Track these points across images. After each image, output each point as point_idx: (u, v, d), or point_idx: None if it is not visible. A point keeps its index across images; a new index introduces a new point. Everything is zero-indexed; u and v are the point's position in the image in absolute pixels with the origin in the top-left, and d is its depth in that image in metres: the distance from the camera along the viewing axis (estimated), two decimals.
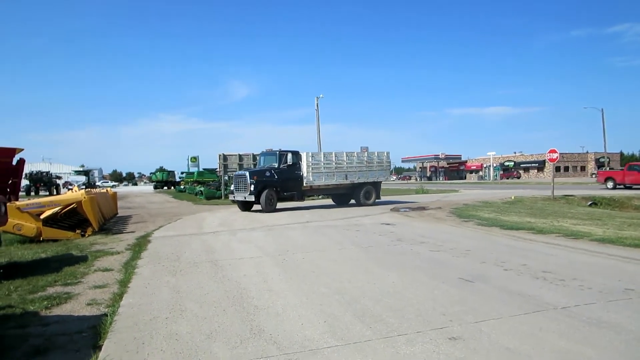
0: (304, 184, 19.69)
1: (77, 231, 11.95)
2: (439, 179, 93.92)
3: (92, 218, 12.31)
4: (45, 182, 50.96)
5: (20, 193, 18.18)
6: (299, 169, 19.66)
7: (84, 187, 40.10)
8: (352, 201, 21.84)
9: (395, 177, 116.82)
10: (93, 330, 4.50)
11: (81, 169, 74.72)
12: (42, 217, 11.41)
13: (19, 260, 8.75)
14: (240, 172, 20.09)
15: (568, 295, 5.27)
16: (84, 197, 12.23)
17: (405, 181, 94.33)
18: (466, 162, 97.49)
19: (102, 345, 4.07)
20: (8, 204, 9.69)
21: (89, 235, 11.92)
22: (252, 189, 18.29)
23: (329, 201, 23.53)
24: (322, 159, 20.21)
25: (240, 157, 30.64)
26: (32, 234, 11.00)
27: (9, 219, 9.21)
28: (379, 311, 4.80)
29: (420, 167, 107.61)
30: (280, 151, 19.66)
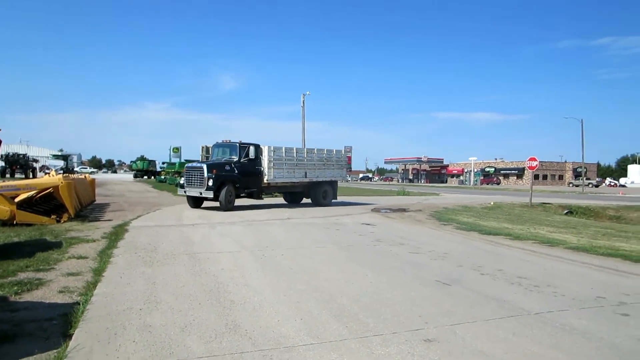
0: (265, 181, 18.32)
1: (53, 216, 11.69)
2: (421, 182, 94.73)
3: (69, 204, 12.06)
4: (21, 165, 49.72)
5: None
6: (260, 163, 18.18)
7: (61, 172, 39.29)
8: (305, 200, 20.95)
9: (377, 178, 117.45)
10: (64, 319, 4.40)
11: (59, 154, 73.24)
12: (16, 200, 11.13)
13: None
14: (194, 165, 17.90)
15: (542, 301, 5.36)
16: (61, 182, 11.98)
17: (388, 182, 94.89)
18: (448, 166, 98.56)
19: (73, 334, 3.98)
20: None
21: (64, 222, 11.67)
22: (209, 183, 16.35)
23: (281, 200, 22.14)
24: (284, 154, 18.96)
25: None
26: (5, 217, 10.71)
27: None
28: (356, 310, 4.80)
29: (402, 169, 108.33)
30: (241, 143, 17.95)
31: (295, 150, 19.47)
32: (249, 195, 18.18)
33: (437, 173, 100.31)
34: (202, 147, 29.31)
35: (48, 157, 77.49)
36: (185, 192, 17.42)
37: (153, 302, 4.98)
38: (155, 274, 6.37)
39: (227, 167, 17.13)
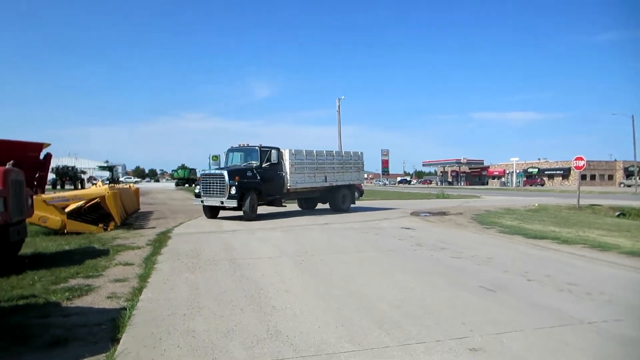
0: (287, 186, 17.11)
1: (100, 225, 12.15)
2: (460, 184, 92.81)
3: (115, 213, 12.50)
4: (70, 177, 52.24)
5: (46, 186, 18.59)
6: (281, 168, 16.98)
7: (107, 182, 40.83)
8: (321, 206, 20.19)
9: (415, 181, 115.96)
10: (112, 323, 4.54)
11: (105, 165, 76.30)
12: (66, 210, 11.63)
13: (44, 251, 8.93)
14: (212, 172, 16.30)
15: (595, 310, 5.10)
16: (108, 192, 12.43)
17: (426, 185, 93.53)
18: (488, 167, 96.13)
19: (120, 338, 4.10)
20: (35, 196, 9.91)
21: (111, 230, 12.10)
22: (232, 192, 14.95)
23: (295, 206, 20.79)
24: (305, 158, 17.81)
25: None
26: (57, 227, 11.23)
27: (35, 211, 9.42)
28: (397, 317, 4.72)
29: (441, 172, 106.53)
30: (261, 147, 16.54)
31: (315, 154, 18.42)
32: (270, 203, 16.97)
33: (477, 175, 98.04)
34: (210, 157, 27.70)
35: (95, 168, 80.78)
36: (202, 202, 15.88)
37: (196, 308, 5.06)
38: (197, 279, 6.49)
39: (249, 173, 15.82)
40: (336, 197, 19.54)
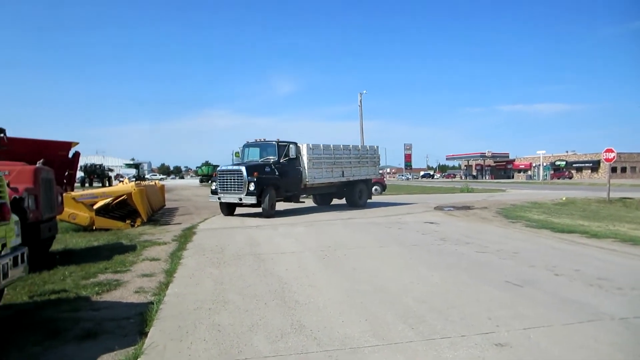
0: (304, 182, 16.78)
1: (127, 221, 12.42)
2: (485, 178, 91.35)
3: (141, 209, 12.75)
4: (98, 174, 53.49)
5: (75, 184, 19.09)
6: (299, 163, 16.67)
7: (134, 179, 41.64)
8: (336, 201, 20.00)
9: (439, 175, 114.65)
10: (140, 317, 4.65)
11: (131, 162, 77.81)
12: (95, 207, 11.92)
13: (73, 247, 9.18)
14: (229, 167, 15.58)
15: (627, 305, 4.96)
16: (134, 189, 12.69)
17: (450, 179, 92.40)
18: (514, 160, 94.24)
19: (148, 332, 4.19)
20: (64, 194, 10.19)
21: (138, 226, 12.35)
22: (251, 188, 14.57)
23: (311, 202, 20.83)
24: (322, 153, 17.46)
25: None
26: (86, 223, 11.52)
27: (64, 209, 9.70)
28: (422, 312, 4.69)
29: (465, 165, 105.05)
30: (279, 142, 16.30)
31: (332, 148, 18.07)
32: (287, 199, 16.75)
33: (502, 168, 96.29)
34: (233, 153, 27.01)
35: (121, 166, 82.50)
36: (218, 198, 15.49)
37: (221, 302, 5.13)
38: (222, 274, 6.58)
39: (267, 169, 15.50)
40: (353, 192, 19.27)
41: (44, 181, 7.33)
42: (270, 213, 14.95)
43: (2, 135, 8.26)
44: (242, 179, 14.75)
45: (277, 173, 15.64)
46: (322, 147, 17.55)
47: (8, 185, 4.49)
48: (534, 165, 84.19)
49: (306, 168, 16.70)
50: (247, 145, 17.35)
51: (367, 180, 20.15)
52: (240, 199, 14.86)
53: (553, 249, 8.64)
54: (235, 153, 18.59)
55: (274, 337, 4.03)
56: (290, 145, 16.17)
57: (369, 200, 20.47)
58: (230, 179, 15.10)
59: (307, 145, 16.88)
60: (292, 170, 16.32)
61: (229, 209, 15.87)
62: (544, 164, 75.92)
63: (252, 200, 14.64)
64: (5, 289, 5.08)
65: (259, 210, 15.35)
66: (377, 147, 20.82)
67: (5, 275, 3.80)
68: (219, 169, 16.23)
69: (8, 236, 4.10)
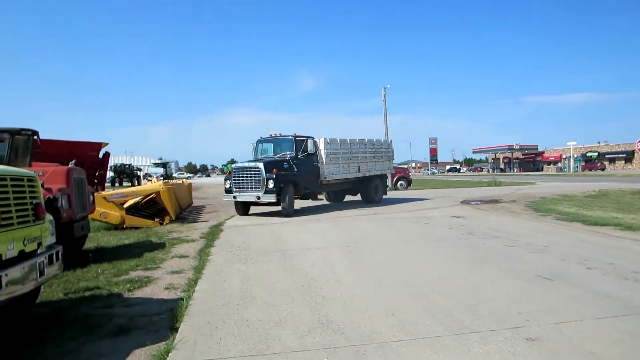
0: (322, 178, 15.96)
1: (156, 220, 12.68)
2: (513, 171, 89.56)
3: (170, 207, 13.00)
4: (127, 174, 54.76)
5: (105, 184, 19.54)
6: (317, 159, 15.88)
7: (162, 178, 42.47)
8: (348, 198, 19.37)
9: (465, 169, 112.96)
10: (170, 313, 4.75)
11: (159, 162, 79.29)
12: (125, 206, 12.21)
13: (105, 245, 9.44)
14: (246, 164, 14.69)
15: None
16: (162, 188, 12.95)
17: (477, 173, 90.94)
18: (543, 152, 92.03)
19: (179, 327, 4.28)
20: (95, 193, 10.48)
21: (166, 224, 12.60)
22: (270, 185, 13.75)
23: (348, 198, 20.00)
24: (339, 147, 16.74)
25: None
26: (116, 222, 11.83)
27: (96, 208, 9.97)
28: (450, 307, 4.64)
29: (492, 159, 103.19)
30: (296, 136, 15.58)
31: (349, 142, 17.38)
32: (304, 197, 16.03)
33: (531, 161, 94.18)
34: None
35: (149, 165, 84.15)
36: (234, 197, 14.62)
37: (249, 298, 5.19)
38: (249, 270, 6.66)
39: (286, 165, 14.65)
40: (369, 188, 18.61)
41: (76, 181, 7.55)
42: (290, 212, 14.28)
43: (35, 137, 8.55)
44: (259, 176, 13.96)
45: (295, 169, 14.82)
46: (339, 142, 16.88)
47: (42, 185, 4.64)
48: (564, 157, 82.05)
49: (324, 163, 15.95)
50: (261, 140, 16.56)
51: (382, 175, 19.64)
52: (258, 198, 14.01)
53: (585, 242, 8.42)
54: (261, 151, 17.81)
55: (301, 332, 4.06)
56: (308, 140, 15.47)
57: (390, 196, 20.15)
58: (247, 177, 14.28)
59: (325, 139, 16.14)
60: (310, 166, 15.57)
61: (244, 209, 15.14)
62: (575, 156, 73.83)
63: (272, 198, 13.90)
64: (42, 287, 5.26)
65: (274, 208, 15.07)
66: (392, 141, 20.42)
67: (41, 273, 3.94)
68: (233, 166, 15.35)
69: (43, 235, 4.25)
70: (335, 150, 16.52)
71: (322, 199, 18.40)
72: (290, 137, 15.64)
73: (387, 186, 29.47)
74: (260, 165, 14.09)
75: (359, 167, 17.73)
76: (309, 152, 15.37)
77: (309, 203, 17.91)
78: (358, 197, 19.31)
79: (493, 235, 9.42)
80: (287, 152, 15.34)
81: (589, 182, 34.85)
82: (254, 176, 14.09)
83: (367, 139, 18.72)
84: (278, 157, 15.28)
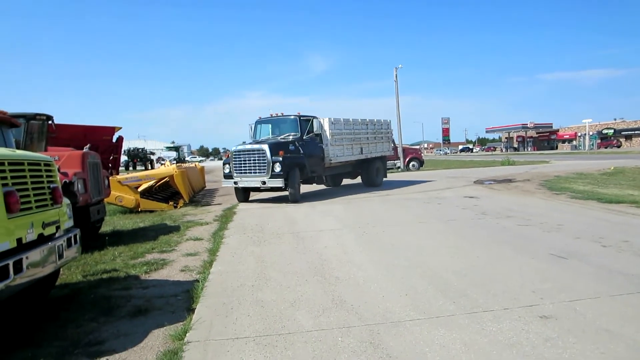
0: (327, 161, 14.95)
1: (170, 203, 12.82)
2: (527, 150, 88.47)
3: (183, 191, 13.12)
4: (141, 158, 55.26)
5: (119, 168, 19.73)
6: (321, 140, 14.80)
7: (174, 162, 42.75)
8: (347, 182, 18.56)
9: (478, 149, 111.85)
10: (186, 295, 4.84)
11: (172, 145, 79.69)
12: (139, 189, 12.36)
13: (121, 229, 9.59)
14: (249, 147, 13.47)
15: None
16: (175, 172, 13.06)
17: (490, 152, 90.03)
18: (558, 131, 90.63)
19: (195, 308, 4.36)
20: (110, 177, 10.61)
21: (180, 207, 12.74)
22: (277, 169, 12.66)
23: (346, 182, 19.23)
24: (343, 128, 15.74)
25: None
26: (131, 205, 11.99)
27: (111, 192, 10.10)
28: (463, 286, 4.65)
29: (506, 138, 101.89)
30: (301, 116, 14.45)
31: (351, 122, 16.39)
32: (308, 181, 15.05)
33: (545, 139, 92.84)
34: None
35: (162, 149, 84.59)
36: (235, 183, 13.48)
37: (263, 279, 5.26)
38: (263, 252, 6.72)
39: (292, 147, 13.54)
40: (370, 171, 17.67)
41: (91, 165, 7.64)
42: (297, 198, 13.31)
43: (50, 122, 8.64)
44: (264, 160, 12.83)
45: (301, 151, 13.76)
46: (342, 122, 15.88)
47: (58, 170, 4.70)
48: (579, 134, 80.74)
49: (329, 145, 14.88)
50: (260, 121, 15.40)
51: (382, 157, 18.73)
52: (264, 183, 12.88)
53: (600, 220, 8.34)
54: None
55: (316, 312, 4.11)
56: (314, 120, 14.36)
57: (402, 177, 19.62)
58: (250, 160, 13.13)
59: (329, 119, 15.08)
60: (315, 148, 14.51)
61: (244, 195, 14.07)
62: (590, 133, 72.59)
63: (279, 183, 12.79)
64: (61, 269, 5.38)
65: (275, 194, 14.51)
66: (390, 121, 19.40)
67: (60, 256, 4.03)
68: (233, 149, 13.81)
69: (61, 219, 4.32)
70: (340, 130, 15.56)
71: (329, 184, 18.03)
72: (293, 116, 14.52)
73: (399, 167, 29.65)
74: (265, 147, 12.97)
75: (362, 149, 16.86)
76: (315, 132, 14.36)
77: (312, 188, 17.53)
78: (357, 180, 18.66)
79: (506, 214, 9.36)
80: (291, 133, 14.24)
81: (604, 159, 34.31)
82: (258, 159, 13.00)
83: (368, 118, 17.71)
84: (281, 138, 14.13)
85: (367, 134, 17.29)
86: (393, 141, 31.22)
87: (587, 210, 9.64)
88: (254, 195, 14.76)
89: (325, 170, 15.48)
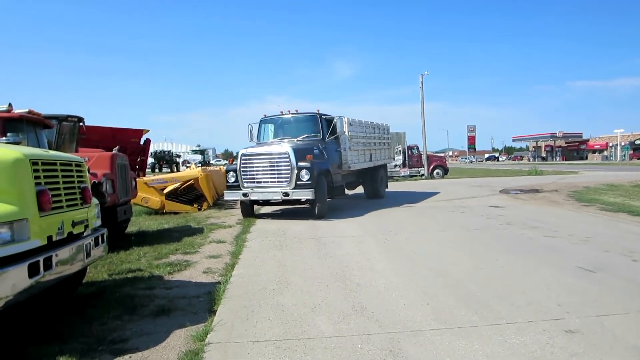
0: (345, 167, 12.79)
1: (195, 205, 13.01)
2: (556, 160, 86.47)
3: (208, 193, 13.30)
4: (167, 160, 56.30)
5: (146, 170, 20.08)
6: (339, 144, 12.56)
7: (200, 165, 43.33)
8: (349, 192, 16.23)
9: (505, 157, 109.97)
10: (208, 296, 4.90)
11: (197, 148, 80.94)
12: (165, 191, 12.58)
13: (147, 229, 9.77)
14: (268, 149, 11.12)
15: None
16: (200, 174, 13.25)
17: (517, 161, 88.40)
18: (588, 140, 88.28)
19: (217, 310, 4.41)
20: (137, 179, 10.83)
21: (204, 210, 12.91)
22: (305, 178, 10.30)
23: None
24: (359, 130, 13.73)
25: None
26: (157, 207, 12.22)
27: (138, 193, 10.31)
28: (486, 297, 4.58)
29: (533, 147, 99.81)
30: (321, 115, 12.10)
31: (365, 125, 14.57)
32: (330, 192, 12.03)
33: (575, 149, 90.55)
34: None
35: (188, 152, 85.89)
36: (244, 195, 10.86)
37: (284, 284, 5.28)
38: (284, 257, 6.75)
39: (316, 151, 11.21)
40: (375, 180, 15.51)
41: (119, 167, 7.83)
42: (324, 212, 10.89)
43: (81, 124, 8.89)
44: (288, 166, 10.44)
45: (325, 156, 11.48)
46: (357, 123, 13.82)
47: (88, 170, 4.83)
48: (610, 145, 78.46)
49: (347, 149, 12.64)
50: (266, 120, 12.83)
51: (385, 165, 17.04)
52: (286, 195, 10.42)
53: (631, 234, 8.09)
54: None
55: (336, 318, 4.11)
56: (338, 119, 11.98)
57: (425, 186, 18.67)
58: (267, 167, 10.74)
59: (348, 119, 12.75)
60: (335, 153, 12.31)
61: (250, 209, 11.59)
62: (622, 144, 70.46)
63: (307, 194, 10.33)
64: (88, 267, 5.51)
65: (284, 207, 12.75)
66: (389, 125, 17.52)
67: (88, 254, 4.13)
68: (242, 152, 11.18)
69: (90, 218, 4.44)
70: (356, 133, 13.52)
71: (349, 195, 16.34)
72: (313, 114, 12.13)
73: (423, 174, 29.38)
74: (288, 149, 10.61)
75: (371, 155, 14.86)
76: (338, 134, 12.12)
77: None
78: (357, 190, 16.45)
79: (532, 225, 9.17)
80: (311, 135, 11.89)
81: (636, 171, 33.26)
82: (278, 165, 10.59)
83: (376, 122, 15.88)
84: (299, 140, 11.73)
85: (374, 139, 15.44)
86: (417, 148, 31.07)
87: (617, 223, 9.37)
88: (257, 209, 12.46)
89: (342, 179, 13.20)
